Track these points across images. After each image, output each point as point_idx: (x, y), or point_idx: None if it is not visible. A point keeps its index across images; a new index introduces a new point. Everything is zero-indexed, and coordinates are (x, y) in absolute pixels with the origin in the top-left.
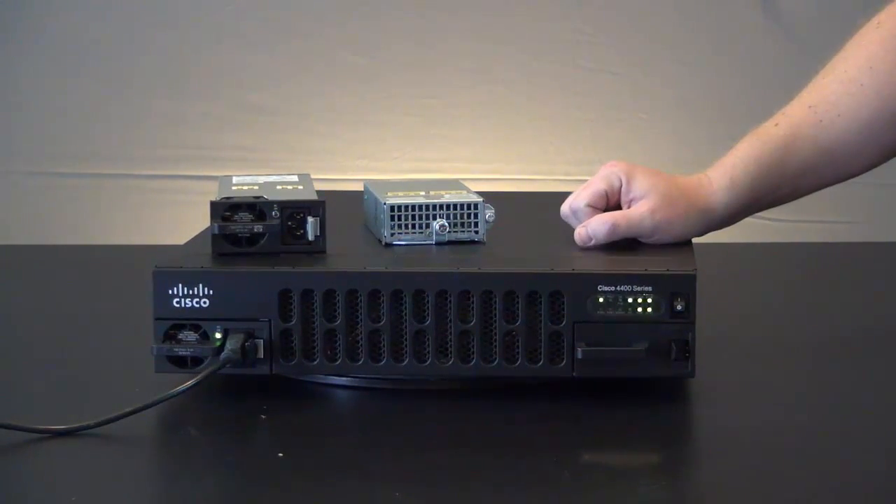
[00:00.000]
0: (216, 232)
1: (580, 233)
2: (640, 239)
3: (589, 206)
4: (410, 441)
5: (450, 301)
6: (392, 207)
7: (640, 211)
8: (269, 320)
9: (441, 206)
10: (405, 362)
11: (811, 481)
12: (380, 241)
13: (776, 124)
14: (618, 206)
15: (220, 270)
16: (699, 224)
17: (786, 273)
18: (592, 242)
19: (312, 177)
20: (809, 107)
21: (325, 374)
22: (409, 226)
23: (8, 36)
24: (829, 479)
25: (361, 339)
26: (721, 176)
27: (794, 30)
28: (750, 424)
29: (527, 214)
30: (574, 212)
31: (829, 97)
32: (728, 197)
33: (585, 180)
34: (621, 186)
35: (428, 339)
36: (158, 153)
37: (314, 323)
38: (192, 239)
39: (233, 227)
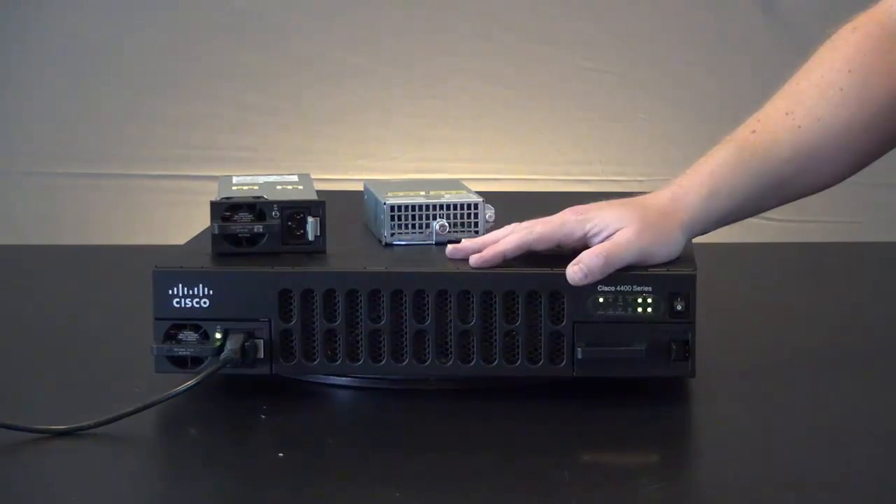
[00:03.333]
0: (216, 232)
1: (574, 271)
2: (633, 265)
3: (531, 248)
4: (410, 441)
5: (450, 301)
6: (392, 207)
7: (626, 236)
8: (269, 320)
9: (441, 206)
10: (405, 362)
11: (811, 481)
12: (380, 241)
13: (753, 131)
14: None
15: (220, 270)
16: (684, 239)
17: (786, 273)
18: (589, 279)
19: (312, 177)
20: (787, 113)
21: (325, 374)
22: (409, 226)
23: (8, 36)
24: (829, 479)
25: (361, 339)
26: (698, 185)
27: (794, 30)
28: (750, 424)
29: (527, 214)
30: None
31: (806, 102)
32: (708, 206)
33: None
34: (584, 235)
35: (428, 339)
36: (158, 153)
37: (314, 323)
38: (192, 239)
39: (233, 227)
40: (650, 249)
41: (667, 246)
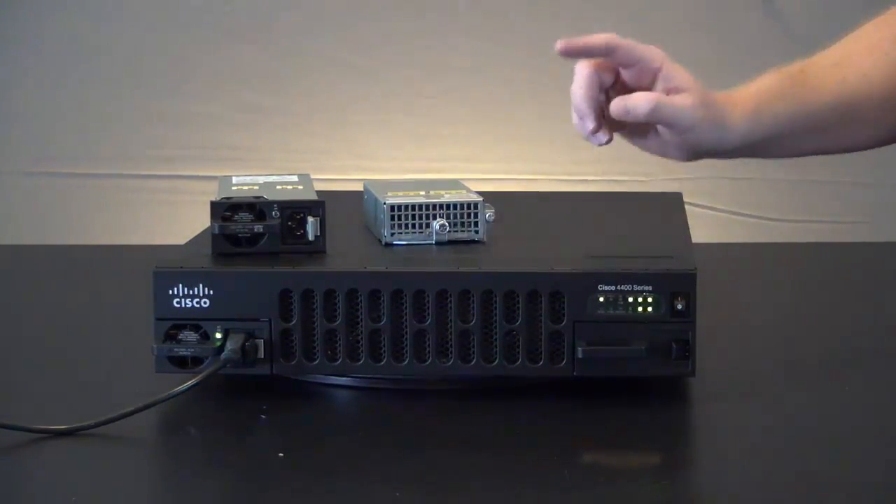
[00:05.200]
0: (216, 232)
1: (619, 104)
2: (667, 131)
3: (614, 54)
4: (410, 441)
5: (450, 301)
6: (392, 207)
7: (685, 102)
8: (270, 320)
9: (441, 206)
10: (405, 362)
11: (811, 481)
12: (380, 241)
13: (801, 70)
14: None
15: (221, 270)
16: (720, 141)
17: (786, 273)
18: (630, 117)
19: (312, 177)
20: (834, 64)
21: (326, 374)
22: (409, 226)
23: (7, 36)
24: (829, 479)
25: (362, 339)
26: (743, 101)
27: (794, 30)
28: (750, 424)
29: (527, 214)
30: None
31: (854, 58)
32: (749, 124)
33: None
34: (659, 69)
35: (428, 339)
36: (158, 153)
37: (314, 323)
38: (192, 239)
39: (233, 227)
40: (698, 123)
41: (712, 128)
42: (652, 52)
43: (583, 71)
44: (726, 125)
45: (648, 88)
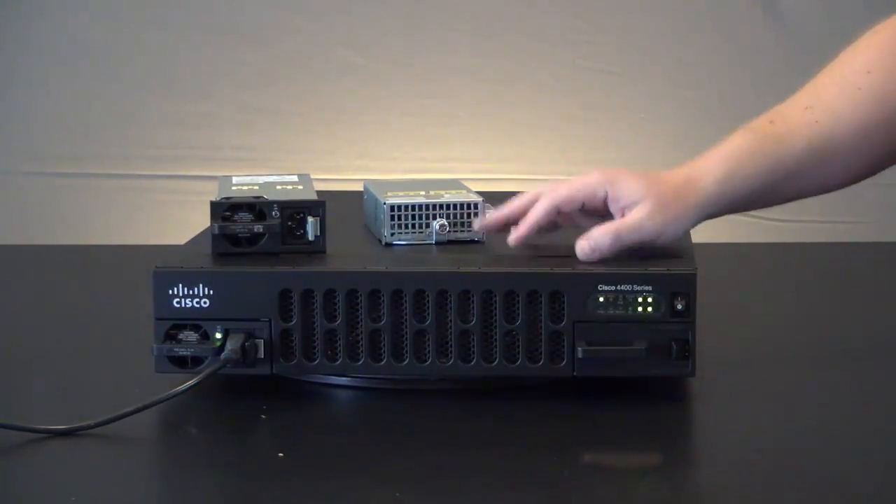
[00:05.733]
0: (216, 232)
1: (583, 246)
2: (642, 244)
3: (559, 210)
4: (410, 441)
5: (450, 301)
6: (392, 207)
7: (638, 217)
8: (270, 320)
9: (441, 206)
10: (405, 362)
11: (811, 481)
12: (380, 241)
13: (771, 121)
14: (596, 214)
15: (221, 270)
16: (694, 220)
17: (786, 273)
18: (597, 255)
19: (312, 177)
20: (806, 108)
21: (326, 374)
22: (409, 226)
23: (7, 35)
24: (828, 479)
25: (362, 338)
26: (713, 168)
27: (794, 29)
28: (750, 424)
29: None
30: (541, 210)
31: (825, 98)
32: (721, 189)
33: None
34: (605, 197)
35: (428, 338)
36: (157, 153)
37: (314, 323)
38: (192, 239)
39: (233, 227)
40: (660, 230)
41: (676, 225)
42: (590, 188)
43: (544, 205)
44: (694, 205)
45: (604, 209)
